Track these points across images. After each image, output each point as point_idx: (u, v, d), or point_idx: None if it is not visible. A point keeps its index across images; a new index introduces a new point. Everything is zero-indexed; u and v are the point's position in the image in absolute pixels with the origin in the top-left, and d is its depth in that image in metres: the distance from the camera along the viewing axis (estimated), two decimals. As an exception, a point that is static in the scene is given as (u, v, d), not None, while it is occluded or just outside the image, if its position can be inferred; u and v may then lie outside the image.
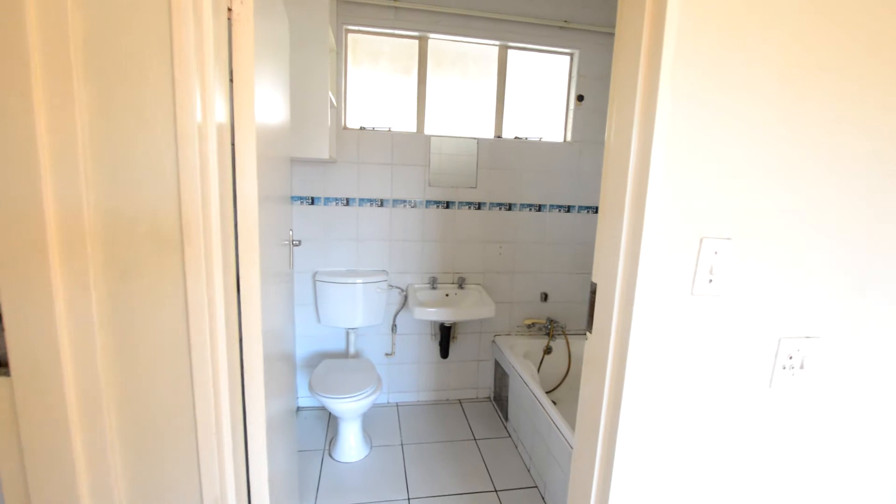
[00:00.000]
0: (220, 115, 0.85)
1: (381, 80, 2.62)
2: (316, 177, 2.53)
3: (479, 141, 2.66)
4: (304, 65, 2.05)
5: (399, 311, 2.73)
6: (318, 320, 2.59)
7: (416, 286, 2.71)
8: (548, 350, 2.81)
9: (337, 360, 2.45)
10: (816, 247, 0.97)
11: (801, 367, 1.04)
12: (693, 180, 0.89)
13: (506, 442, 2.46)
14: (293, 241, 1.70)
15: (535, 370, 2.43)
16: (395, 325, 2.74)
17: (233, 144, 0.93)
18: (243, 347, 1.02)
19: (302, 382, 2.70)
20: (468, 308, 2.50)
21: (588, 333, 1.09)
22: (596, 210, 2.85)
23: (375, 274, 2.59)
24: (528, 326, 2.90)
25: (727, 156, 0.89)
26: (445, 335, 2.69)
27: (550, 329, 2.82)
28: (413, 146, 2.60)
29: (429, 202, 2.66)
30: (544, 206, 2.79)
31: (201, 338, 0.78)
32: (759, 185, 0.92)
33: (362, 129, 2.58)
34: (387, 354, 2.77)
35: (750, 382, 1.02)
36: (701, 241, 0.92)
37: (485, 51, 2.69)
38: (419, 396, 2.87)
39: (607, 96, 2.81)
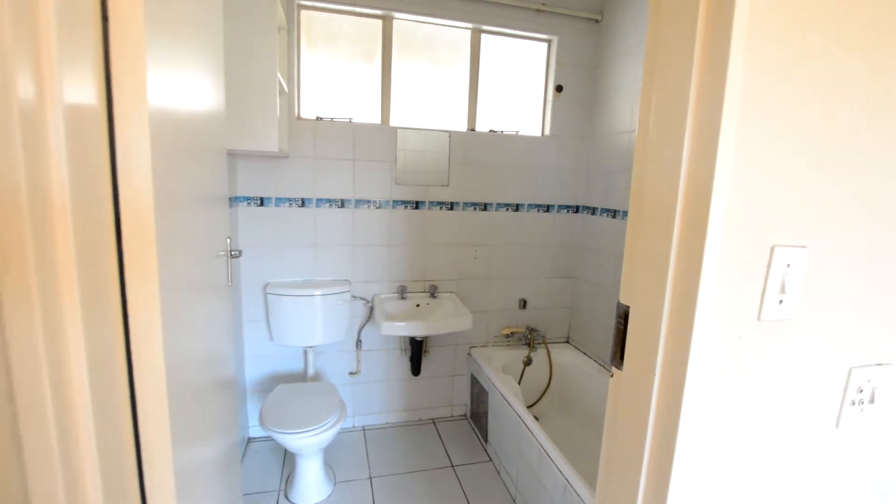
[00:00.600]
0: (80, 94, 0.56)
1: (340, 66, 2.32)
2: (265, 174, 2.20)
3: (451, 134, 2.40)
4: (247, 43, 1.73)
5: (364, 324, 2.43)
6: (271, 338, 2.26)
7: (384, 296, 2.42)
8: (528, 361, 2.59)
9: (293, 385, 2.13)
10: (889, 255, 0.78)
11: (871, 400, 0.84)
12: (765, 176, 0.67)
13: (486, 467, 2.22)
14: (232, 251, 1.38)
15: (518, 387, 2.20)
16: (360, 341, 2.44)
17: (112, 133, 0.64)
18: (135, 386, 0.73)
19: (254, 410, 2.36)
20: (442, 320, 2.24)
21: (615, 369, 0.85)
22: (576, 210, 2.66)
23: (336, 284, 2.29)
24: (507, 336, 2.67)
25: (805, 144, 0.68)
26: (417, 350, 2.42)
27: (531, 339, 2.60)
28: (377, 140, 2.32)
29: (396, 202, 2.38)
30: (522, 205, 2.57)
31: (35, 397, 0.49)
32: (838, 180, 0.71)
33: (319, 119, 2.27)
34: (351, 373, 2.47)
35: (814, 424, 0.81)
36: (772, 250, 0.70)
37: (456, 35, 2.44)
38: (388, 418, 2.58)
39: (588, 87, 2.63)
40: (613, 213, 2.38)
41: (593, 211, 2.56)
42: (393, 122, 2.40)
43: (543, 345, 2.63)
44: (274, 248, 2.26)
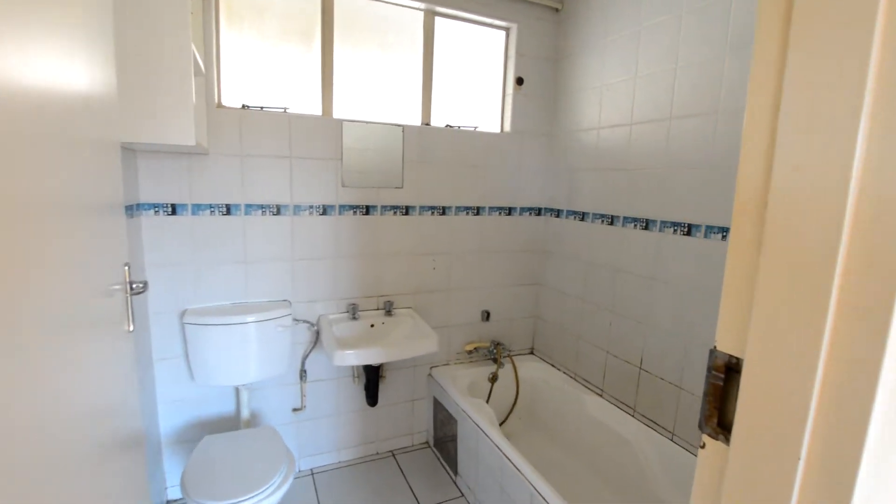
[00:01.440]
0: None
1: (269, 46, 1.94)
2: (177, 174, 1.77)
3: (404, 129, 2.12)
4: (151, 9, 1.32)
5: (309, 351, 2.07)
6: (193, 378, 1.83)
7: (332, 317, 2.08)
8: (494, 378, 2.38)
9: (224, 436, 1.73)
10: None
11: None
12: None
13: (459, 505, 1.97)
14: (133, 283, 1.00)
15: (492, 413, 1.97)
16: (305, 371, 2.08)
17: None
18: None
19: (173, 468, 1.91)
20: (403, 343, 1.95)
21: (707, 439, 0.63)
22: (539, 212, 2.49)
23: (274, 306, 1.91)
24: (470, 353, 2.44)
25: None
26: (373, 377, 2.11)
27: (497, 353, 2.39)
28: (319, 134, 1.97)
29: (343, 207, 2.05)
30: (483, 208, 2.35)
31: None
32: None
33: (245, 108, 1.87)
34: (295, 410, 2.10)
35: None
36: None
37: (407, 17, 2.15)
38: (340, 456, 2.24)
39: (550, 80, 2.38)
40: (581, 216, 2.23)
41: (558, 213, 2.40)
42: (337, 114, 2.06)
43: (509, 359, 2.43)
44: (191, 267, 1.83)
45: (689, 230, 1.69)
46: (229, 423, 1.97)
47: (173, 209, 1.78)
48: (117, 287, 0.93)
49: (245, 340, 1.81)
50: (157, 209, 1.76)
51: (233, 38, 1.88)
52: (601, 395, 2.11)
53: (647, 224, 1.86)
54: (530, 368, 2.47)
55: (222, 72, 1.86)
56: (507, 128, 2.38)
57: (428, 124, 2.24)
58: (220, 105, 1.85)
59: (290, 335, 1.94)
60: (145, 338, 1.74)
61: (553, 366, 2.44)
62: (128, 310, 0.98)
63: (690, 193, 1.68)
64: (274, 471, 1.53)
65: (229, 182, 1.85)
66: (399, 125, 2.11)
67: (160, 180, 1.74)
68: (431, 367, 2.36)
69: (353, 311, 2.09)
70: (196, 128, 1.47)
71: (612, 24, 2.02)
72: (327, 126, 1.98)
